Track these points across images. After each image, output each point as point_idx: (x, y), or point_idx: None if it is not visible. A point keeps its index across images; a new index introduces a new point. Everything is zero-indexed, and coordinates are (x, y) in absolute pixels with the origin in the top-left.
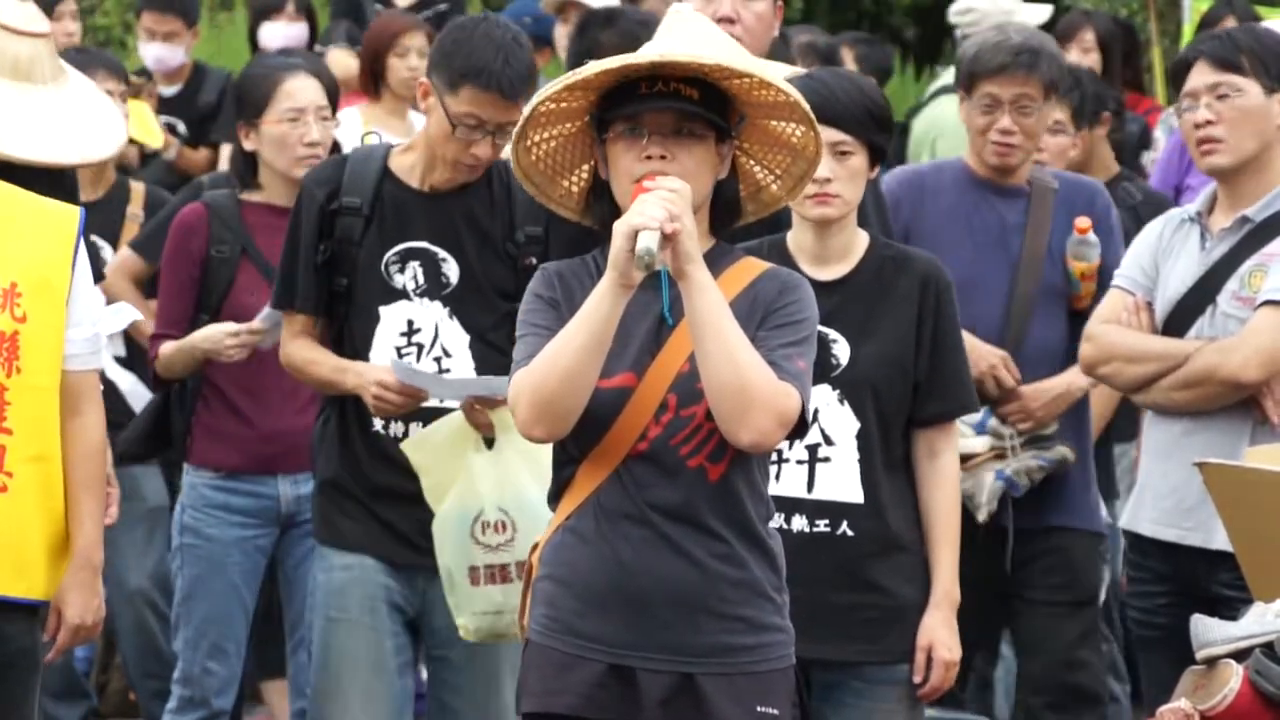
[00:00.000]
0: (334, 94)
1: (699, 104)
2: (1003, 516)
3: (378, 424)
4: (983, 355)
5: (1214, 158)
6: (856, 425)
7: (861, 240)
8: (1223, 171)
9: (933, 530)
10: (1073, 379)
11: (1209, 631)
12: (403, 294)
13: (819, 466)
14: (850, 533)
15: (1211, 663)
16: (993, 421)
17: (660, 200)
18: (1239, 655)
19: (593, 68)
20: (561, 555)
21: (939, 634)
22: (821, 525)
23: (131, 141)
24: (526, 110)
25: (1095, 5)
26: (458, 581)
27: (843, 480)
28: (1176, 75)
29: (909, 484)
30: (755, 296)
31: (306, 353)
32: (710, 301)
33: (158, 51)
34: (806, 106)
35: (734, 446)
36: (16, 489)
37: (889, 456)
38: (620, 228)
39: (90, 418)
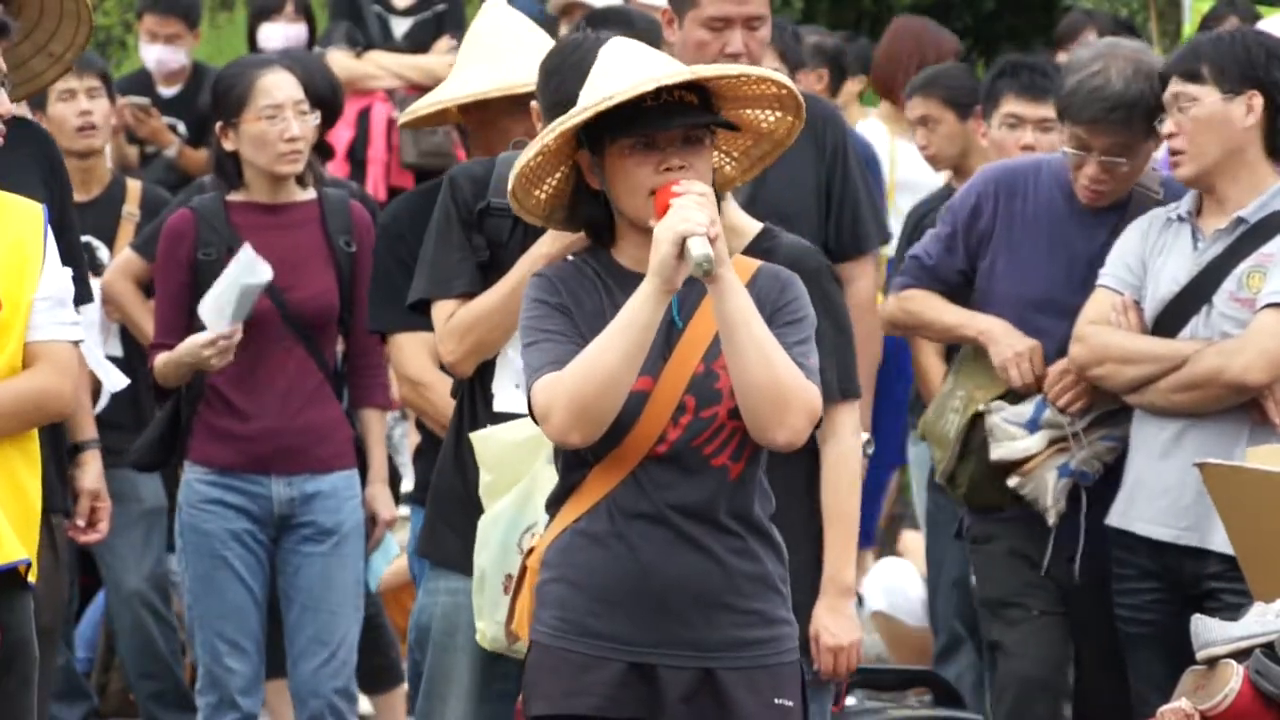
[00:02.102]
0: (318, 90)
1: (700, 109)
2: (1074, 514)
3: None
4: (1011, 344)
5: (1179, 169)
6: None
7: (747, 234)
8: (1191, 181)
9: (824, 516)
10: None
11: (1209, 631)
12: None
13: None
14: None
15: (1212, 663)
16: (1048, 413)
17: (697, 205)
18: (1239, 655)
19: (627, 92)
20: (571, 557)
21: (822, 620)
22: None
23: (131, 141)
24: (573, 120)
25: (1096, 5)
26: (489, 585)
27: None
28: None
29: (812, 473)
30: (758, 295)
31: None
32: (741, 302)
33: (159, 54)
34: (800, 99)
35: (754, 443)
36: None
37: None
38: (666, 235)
39: (39, 373)
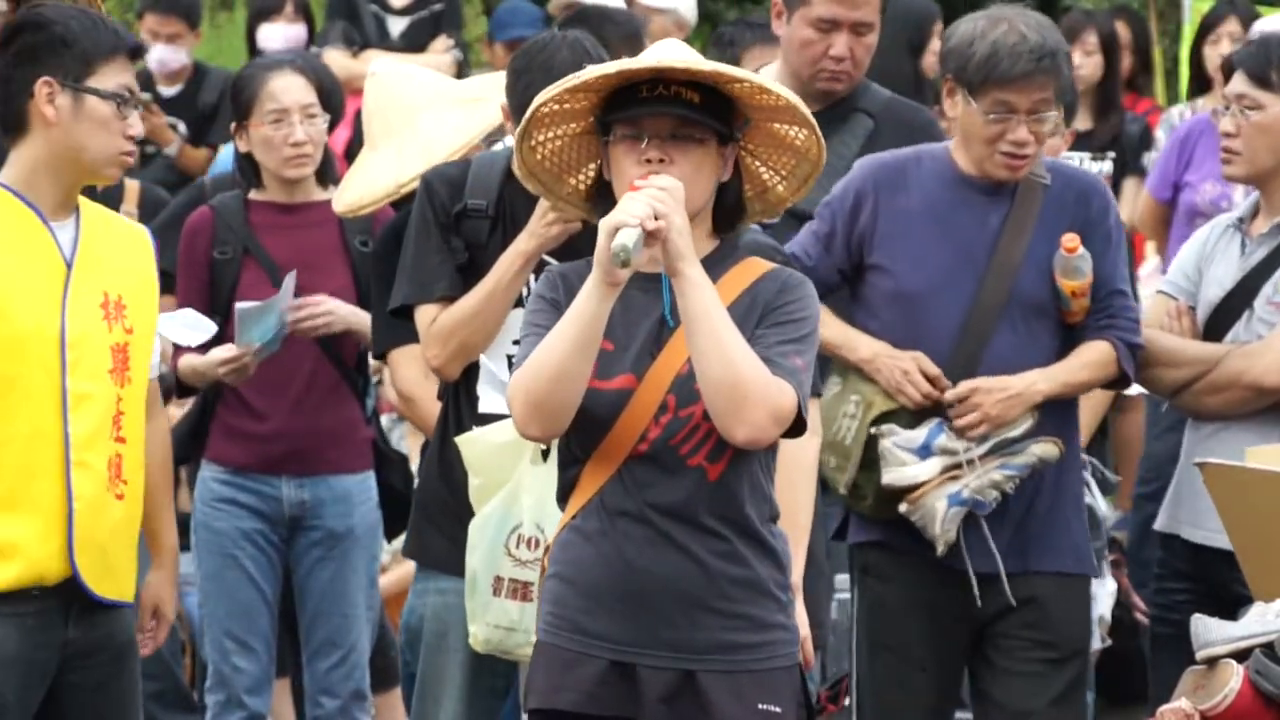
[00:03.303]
0: (329, 91)
1: (699, 108)
2: (969, 543)
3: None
4: (893, 365)
5: (1229, 168)
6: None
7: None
8: (1240, 180)
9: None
10: (1033, 380)
11: (1209, 631)
12: (518, 300)
13: None
14: None
15: (1212, 663)
16: (942, 438)
17: (646, 198)
18: (1239, 655)
19: (591, 72)
20: (567, 554)
21: None
22: None
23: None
24: (529, 111)
25: (1096, 5)
26: (480, 587)
27: None
28: (1224, 74)
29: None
30: (755, 296)
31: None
32: (703, 298)
33: (160, 53)
34: (806, 111)
35: (731, 444)
36: (131, 496)
37: None
38: (604, 225)
39: (162, 421)
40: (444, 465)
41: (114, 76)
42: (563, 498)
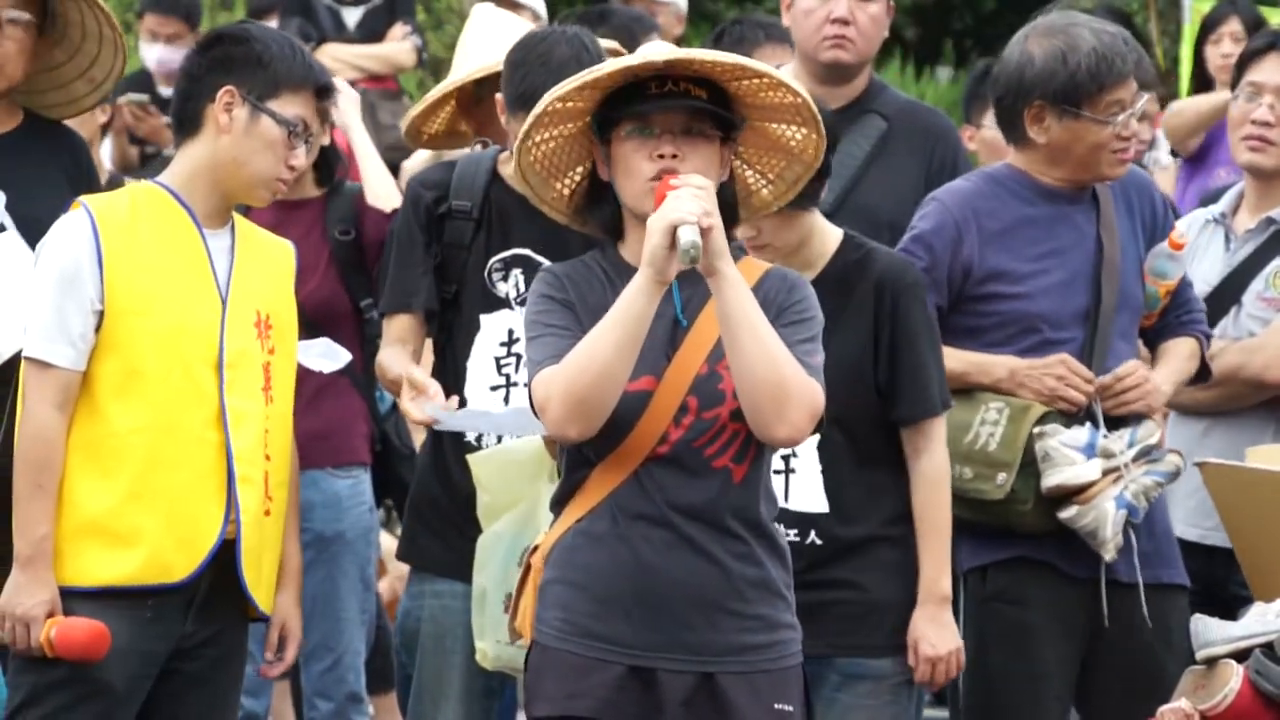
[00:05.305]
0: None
1: (707, 104)
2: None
3: (470, 435)
4: (1043, 372)
5: (1260, 156)
6: (815, 436)
7: (831, 241)
8: (1264, 172)
9: (918, 528)
10: (1161, 376)
11: (1209, 631)
12: (504, 302)
13: (790, 478)
14: (819, 541)
15: (1212, 663)
16: (1102, 440)
17: (694, 196)
18: (1239, 655)
19: (607, 67)
20: (574, 557)
21: (920, 629)
22: (792, 535)
23: (133, 141)
24: (536, 110)
25: (1095, 5)
26: (490, 605)
27: (808, 491)
28: (1245, 61)
29: (897, 479)
30: (765, 295)
31: (387, 355)
32: (743, 297)
33: (160, 54)
34: (815, 109)
35: (756, 445)
36: (276, 512)
37: (860, 457)
38: (658, 224)
39: (293, 444)
40: (438, 468)
41: (294, 106)
42: (562, 501)
